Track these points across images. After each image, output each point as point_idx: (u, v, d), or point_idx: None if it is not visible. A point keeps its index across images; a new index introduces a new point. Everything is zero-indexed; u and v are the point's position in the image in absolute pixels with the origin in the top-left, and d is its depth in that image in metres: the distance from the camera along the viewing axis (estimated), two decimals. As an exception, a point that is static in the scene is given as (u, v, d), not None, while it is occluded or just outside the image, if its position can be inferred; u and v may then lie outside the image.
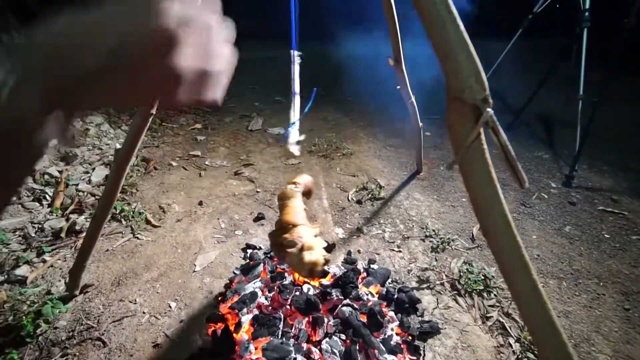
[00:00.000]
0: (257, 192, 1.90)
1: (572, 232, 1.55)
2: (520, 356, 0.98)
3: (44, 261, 1.26)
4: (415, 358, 1.00)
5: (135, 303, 1.14)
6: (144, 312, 1.11)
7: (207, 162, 2.16)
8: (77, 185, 1.66)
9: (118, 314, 1.10)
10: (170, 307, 1.13)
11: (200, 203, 1.74)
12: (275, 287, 1.16)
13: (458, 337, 1.06)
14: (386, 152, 2.37)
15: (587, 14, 2.08)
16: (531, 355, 0.97)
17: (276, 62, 4.40)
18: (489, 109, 0.44)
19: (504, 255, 0.45)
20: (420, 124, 1.71)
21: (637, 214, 1.70)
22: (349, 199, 1.86)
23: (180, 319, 1.09)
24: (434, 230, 1.55)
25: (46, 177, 1.65)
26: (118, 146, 2.15)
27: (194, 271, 1.29)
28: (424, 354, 1.01)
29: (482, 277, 1.26)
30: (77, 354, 0.98)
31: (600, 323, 1.08)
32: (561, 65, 2.37)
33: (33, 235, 1.37)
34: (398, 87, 1.49)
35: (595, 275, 1.29)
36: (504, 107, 3.09)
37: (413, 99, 1.54)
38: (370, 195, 1.86)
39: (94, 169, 1.83)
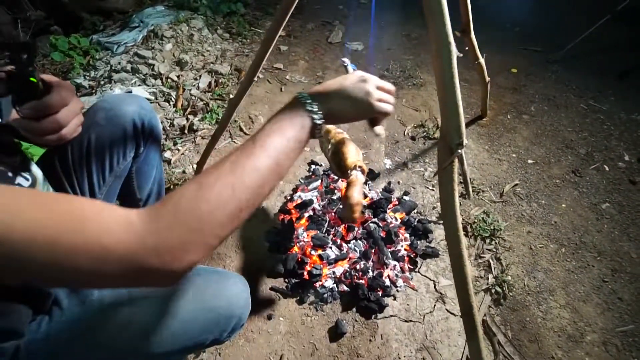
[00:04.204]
0: (326, 113, 2.19)
1: (608, 210, 1.60)
2: (489, 288, 1.34)
3: (178, 150, 1.87)
4: (412, 267, 1.43)
5: (235, 189, 1.71)
6: (240, 196, 1.68)
7: (287, 77, 2.44)
8: (190, 90, 2.15)
9: (225, 194, 1.69)
10: (256, 197, 1.68)
11: (279, 118, 2.13)
12: (327, 199, 1.61)
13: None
14: (458, 88, 2.33)
15: None
16: (498, 289, 1.32)
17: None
18: (460, 150, 0.68)
19: (449, 241, 0.75)
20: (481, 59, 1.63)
21: None
22: (405, 133, 2.06)
23: (263, 205, 1.64)
24: (469, 179, 1.75)
25: (169, 81, 2.15)
26: (216, 52, 2.51)
27: (272, 175, 1.79)
28: (420, 266, 1.43)
29: (492, 228, 1.52)
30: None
31: (571, 284, 1.33)
32: None
33: (168, 128, 1.96)
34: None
35: (599, 250, 1.44)
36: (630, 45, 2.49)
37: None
38: (425, 134, 2.03)
39: (200, 75, 2.27)
